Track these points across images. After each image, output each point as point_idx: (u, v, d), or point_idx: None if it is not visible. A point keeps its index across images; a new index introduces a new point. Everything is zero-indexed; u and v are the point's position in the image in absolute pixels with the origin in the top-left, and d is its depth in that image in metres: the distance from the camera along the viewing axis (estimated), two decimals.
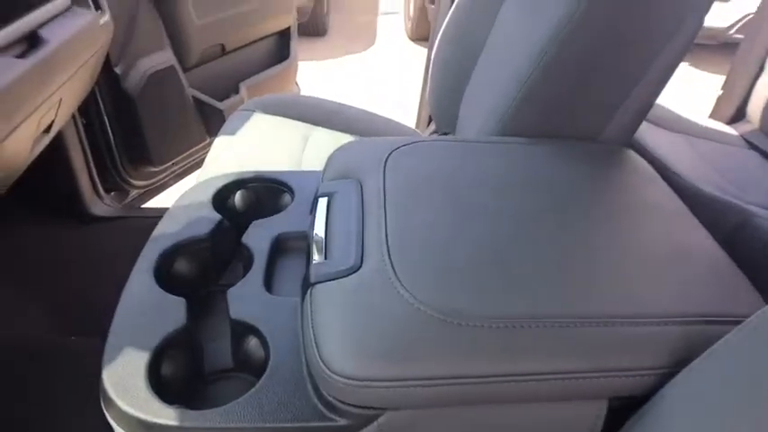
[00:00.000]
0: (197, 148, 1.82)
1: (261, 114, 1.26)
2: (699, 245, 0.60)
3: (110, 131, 1.58)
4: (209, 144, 1.86)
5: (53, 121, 1.12)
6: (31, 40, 0.99)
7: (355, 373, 0.45)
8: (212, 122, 1.81)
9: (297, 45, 2.18)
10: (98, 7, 1.23)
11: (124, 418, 0.48)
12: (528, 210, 0.61)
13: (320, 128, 1.25)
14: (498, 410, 0.49)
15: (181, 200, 0.76)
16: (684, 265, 0.56)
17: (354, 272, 0.53)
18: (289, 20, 2.10)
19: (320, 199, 0.65)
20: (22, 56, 0.94)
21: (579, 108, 0.78)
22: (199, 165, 1.88)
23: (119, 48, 1.49)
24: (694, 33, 0.73)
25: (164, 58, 1.63)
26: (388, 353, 0.46)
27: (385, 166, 0.67)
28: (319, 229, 0.60)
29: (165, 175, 1.77)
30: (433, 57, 1.26)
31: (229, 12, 1.79)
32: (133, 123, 1.59)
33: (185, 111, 1.74)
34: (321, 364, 0.46)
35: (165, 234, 0.67)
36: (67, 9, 1.13)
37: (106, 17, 1.26)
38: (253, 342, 0.55)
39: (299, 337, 0.54)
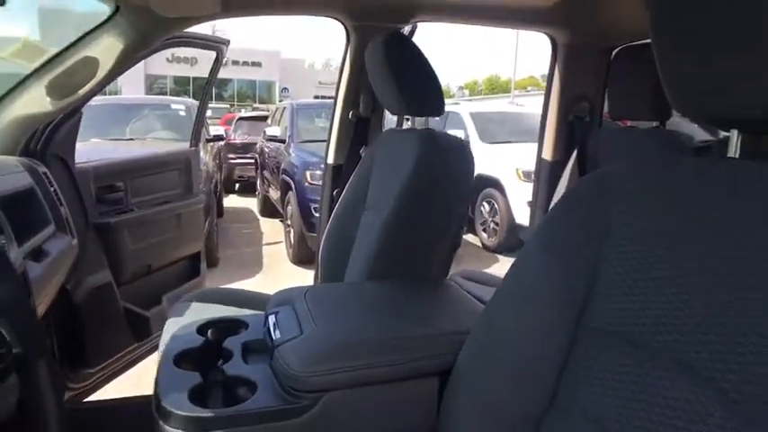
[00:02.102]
0: (126, 351, 2.12)
1: (198, 303, 1.68)
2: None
3: (53, 337, 1.87)
4: (136, 348, 2.18)
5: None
6: (39, 253, 1.39)
7: (304, 369, 0.88)
8: (139, 328, 2.15)
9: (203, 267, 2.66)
10: (72, 235, 1.66)
11: None
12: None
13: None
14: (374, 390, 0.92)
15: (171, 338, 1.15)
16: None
17: (297, 337, 0.97)
18: (198, 246, 2.61)
19: (269, 316, 1.09)
20: (36, 260, 1.34)
21: (417, 254, 1.32)
22: (126, 367, 2.16)
23: (71, 268, 1.88)
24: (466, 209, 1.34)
25: (103, 277, 2.02)
26: (317, 360, 0.89)
27: (306, 297, 1.14)
28: (273, 326, 1.04)
29: (96, 377, 2.03)
30: (321, 251, 1.80)
31: (155, 239, 2.27)
32: (74, 331, 1.90)
33: (118, 319, 2.08)
34: (286, 368, 0.88)
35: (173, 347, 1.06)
36: (53, 234, 1.55)
37: (75, 241, 1.68)
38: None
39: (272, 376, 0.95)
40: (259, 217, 7.03)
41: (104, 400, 1.96)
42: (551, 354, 0.80)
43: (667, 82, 0.69)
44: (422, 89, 1.47)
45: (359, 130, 1.90)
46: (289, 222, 5.24)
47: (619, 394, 0.71)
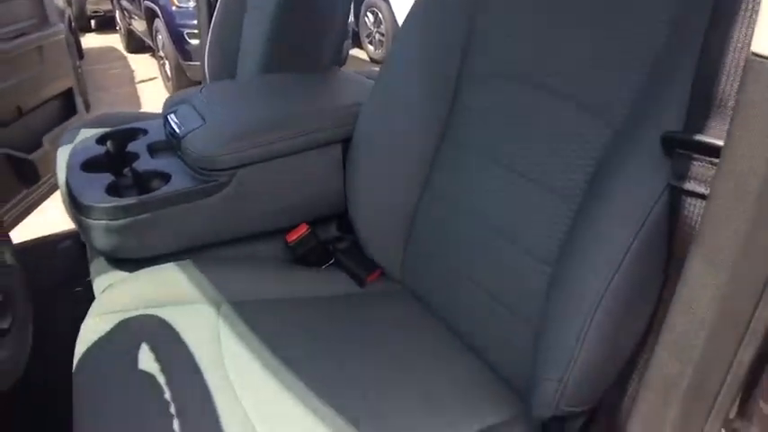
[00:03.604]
0: (17, 200, 2.06)
1: (87, 129, 1.63)
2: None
3: None
4: (27, 195, 2.11)
5: None
6: None
7: (215, 151, 0.94)
8: (26, 173, 2.07)
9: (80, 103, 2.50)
10: None
11: None
12: None
13: None
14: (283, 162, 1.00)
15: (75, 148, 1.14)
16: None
17: (201, 126, 1.01)
18: (69, 82, 2.42)
19: (169, 116, 1.11)
20: None
21: (306, 46, 1.34)
22: (26, 212, 2.11)
23: None
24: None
25: None
26: (227, 140, 0.95)
27: (202, 92, 1.16)
28: (174, 123, 1.06)
29: None
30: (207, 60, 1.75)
31: (18, 77, 2.08)
32: None
33: (2, 165, 1.98)
34: (197, 152, 0.94)
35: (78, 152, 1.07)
36: None
37: None
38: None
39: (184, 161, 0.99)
40: (126, 54, 6.46)
41: (21, 243, 1.94)
42: (439, 97, 0.91)
43: None
44: None
45: None
46: (162, 54, 4.89)
47: (497, 126, 0.84)
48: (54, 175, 1.60)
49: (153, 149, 1.10)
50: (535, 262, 0.75)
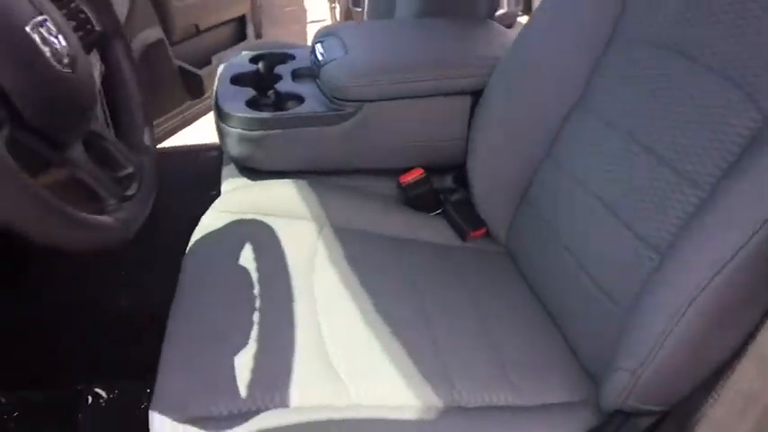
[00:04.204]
0: (181, 108, 2.28)
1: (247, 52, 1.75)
2: None
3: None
4: (191, 106, 2.33)
5: None
6: None
7: (347, 81, 0.97)
8: (193, 86, 2.28)
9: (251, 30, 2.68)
10: None
11: None
12: None
13: None
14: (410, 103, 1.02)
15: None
16: None
17: (341, 57, 1.04)
18: (244, 8, 2.60)
19: (316, 44, 1.16)
20: None
21: None
22: (183, 125, 2.34)
23: (124, 22, 1.94)
24: None
25: (155, 33, 2.09)
26: (359, 74, 0.98)
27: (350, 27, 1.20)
28: (319, 51, 1.11)
29: (156, 132, 2.21)
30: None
31: None
32: None
33: (173, 76, 2.20)
34: (331, 80, 0.98)
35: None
36: None
37: None
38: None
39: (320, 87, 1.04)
40: None
41: (171, 147, 2.16)
42: (581, 61, 0.86)
43: None
44: None
45: None
46: None
47: (634, 97, 0.78)
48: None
49: (296, 74, 1.16)
50: (644, 248, 0.70)
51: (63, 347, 1.04)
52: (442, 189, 1.09)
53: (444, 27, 1.23)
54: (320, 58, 1.08)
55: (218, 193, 1.07)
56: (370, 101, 0.99)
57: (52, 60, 0.55)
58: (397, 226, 1.00)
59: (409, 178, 1.05)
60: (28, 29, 0.54)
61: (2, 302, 1.06)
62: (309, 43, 1.34)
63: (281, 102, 1.07)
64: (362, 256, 0.89)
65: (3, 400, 1.00)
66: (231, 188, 1.03)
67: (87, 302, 1.08)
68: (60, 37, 0.58)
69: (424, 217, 1.05)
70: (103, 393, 1.01)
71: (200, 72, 2.26)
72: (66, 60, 0.57)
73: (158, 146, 2.19)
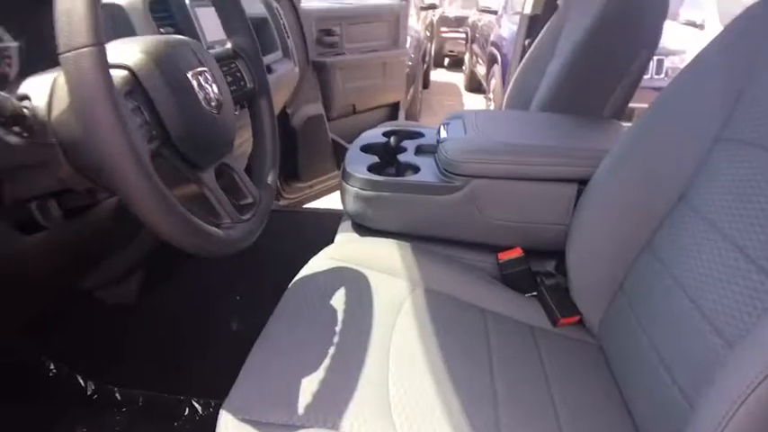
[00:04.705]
0: (330, 175, 2.50)
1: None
2: None
3: None
4: (338, 176, 2.55)
5: None
6: (269, 69, 1.71)
7: (457, 156, 1.05)
8: (342, 158, 2.50)
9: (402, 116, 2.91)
10: (295, 63, 1.97)
11: None
12: None
13: None
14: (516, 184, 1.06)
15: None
16: None
17: (459, 137, 1.13)
18: (399, 96, 2.85)
19: (441, 126, 1.26)
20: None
21: (591, 96, 1.37)
22: (330, 190, 2.56)
23: (292, 95, 2.22)
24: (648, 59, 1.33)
25: (316, 108, 2.36)
26: (470, 151, 1.05)
27: (476, 114, 1.29)
28: (443, 131, 1.21)
29: (306, 192, 2.45)
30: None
31: (361, 83, 2.54)
32: (291, 150, 2.29)
33: (326, 147, 2.44)
34: (445, 155, 1.06)
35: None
36: (280, 59, 1.87)
37: (296, 68, 1.99)
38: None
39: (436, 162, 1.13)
40: (463, 92, 7.15)
41: (308, 208, 2.36)
42: (689, 158, 0.87)
43: None
44: None
45: None
46: (490, 96, 5.29)
47: (732, 196, 0.77)
48: None
49: (420, 149, 1.27)
50: (721, 343, 0.67)
51: (175, 358, 1.18)
52: (539, 271, 1.11)
53: (565, 120, 1.28)
54: (441, 135, 1.18)
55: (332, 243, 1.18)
56: (478, 177, 1.06)
57: (203, 102, 0.70)
58: (488, 299, 1.03)
59: (508, 256, 1.09)
60: (189, 75, 0.70)
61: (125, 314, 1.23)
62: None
63: (400, 170, 1.18)
64: (446, 318, 0.93)
65: (118, 396, 1.15)
66: (342, 240, 1.14)
67: (202, 321, 1.22)
68: (214, 86, 0.74)
69: (517, 296, 1.06)
70: (200, 408, 1.12)
71: (349, 146, 2.49)
72: (213, 104, 0.72)
73: (298, 203, 2.43)
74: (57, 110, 0.63)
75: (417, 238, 1.12)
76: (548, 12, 1.94)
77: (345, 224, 1.20)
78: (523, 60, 1.85)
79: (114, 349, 1.22)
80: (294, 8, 2.19)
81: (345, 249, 1.07)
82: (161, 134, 0.65)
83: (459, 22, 8.34)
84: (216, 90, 0.73)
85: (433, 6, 6.06)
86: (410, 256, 1.05)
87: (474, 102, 6.55)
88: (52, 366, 1.25)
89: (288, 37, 1.98)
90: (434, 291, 0.99)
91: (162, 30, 1.10)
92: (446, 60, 8.85)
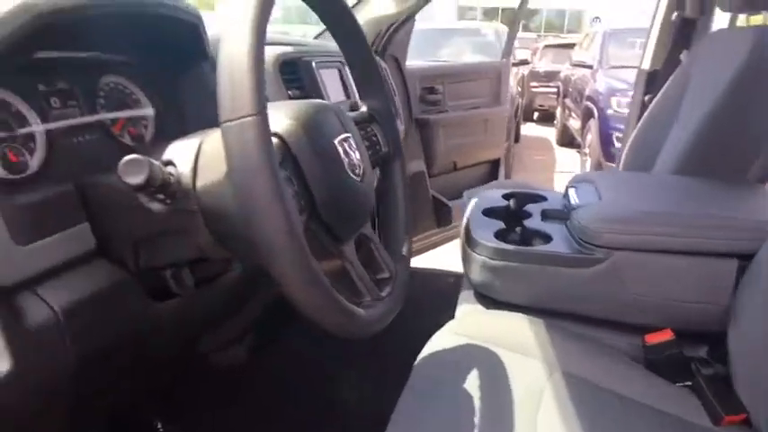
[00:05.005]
0: (431, 232, 2.45)
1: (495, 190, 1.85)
2: None
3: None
4: (438, 233, 2.50)
5: None
6: None
7: (598, 225, 0.96)
8: (442, 215, 2.45)
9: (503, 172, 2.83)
10: (400, 121, 1.96)
11: None
12: None
13: None
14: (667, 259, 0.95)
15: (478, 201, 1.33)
16: None
17: (595, 203, 1.05)
18: (499, 152, 2.78)
19: (569, 188, 1.18)
20: None
21: (732, 159, 1.25)
22: (429, 247, 2.51)
23: None
24: None
25: (419, 165, 2.33)
26: (613, 220, 0.96)
27: (607, 175, 1.20)
28: (572, 196, 1.13)
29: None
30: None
31: (463, 139, 2.50)
32: None
33: (427, 204, 2.40)
34: (581, 223, 0.98)
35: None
36: None
37: (402, 126, 1.98)
38: None
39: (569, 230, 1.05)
40: (555, 146, 6.99)
41: (418, 268, 2.31)
42: None
43: None
44: None
45: (682, 32, 1.78)
46: (586, 151, 5.12)
47: None
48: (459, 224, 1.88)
49: (546, 215, 1.19)
50: None
51: (285, 423, 1.13)
52: (692, 357, 0.98)
53: (708, 185, 1.17)
54: (573, 201, 1.09)
55: (452, 316, 1.10)
56: (622, 249, 0.96)
57: (348, 169, 0.66)
58: (636, 389, 0.91)
59: (656, 339, 0.97)
60: (335, 141, 0.67)
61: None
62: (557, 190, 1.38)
63: (528, 238, 1.10)
64: (592, 412, 0.82)
65: None
66: (466, 312, 1.06)
67: (317, 392, 1.17)
68: (357, 152, 0.70)
69: (668, 386, 0.94)
70: None
71: (450, 204, 2.44)
72: (357, 171, 0.68)
73: None
74: (203, 177, 0.61)
75: (549, 312, 1.02)
76: (668, 67, 1.83)
77: (467, 293, 1.13)
78: (643, 118, 1.75)
79: (224, 413, 1.19)
80: (399, 68, 2.20)
81: (471, 324, 0.99)
82: (309, 205, 0.61)
83: (550, 76, 8.25)
84: (359, 156, 0.70)
85: (524, 62, 6.03)
86: (543, 334, 0.95)
87: (566, 156, 6.38)
88: (159, 426, 1.23)
89: (395, 95, 1.98)
90: (574, 376, 0.88)
91: (290, 92, 1.11)
92: (535, 114, 8.74)
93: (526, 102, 8.23)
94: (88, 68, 0.80)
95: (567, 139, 6.73)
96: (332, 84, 1.24)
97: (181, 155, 0.62)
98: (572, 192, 1.15)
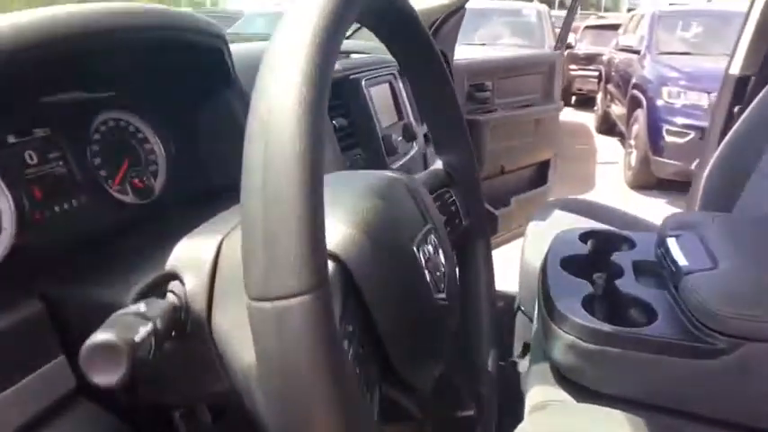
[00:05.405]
0: None
1: (559, 211, 1.63)
2: None
3: None
4: None
5: None
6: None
7: (724, 307, 0.75)
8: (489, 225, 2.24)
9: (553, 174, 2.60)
10: None
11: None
12: None
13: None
14: None
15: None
16: None
17: (711, 269, 0.83)
18: (550, 153, 2.54)
19: (668, 239, 0.96)
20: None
21: None
22: None
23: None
24: None
25: None
26: (743, 302, 0.74)
27: (715, 224, 0.98)
28: (675, 251, 0.91)
29: None
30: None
31: (512, 142, 2.28)
32: None
33: None
34: (701, 301, 0.76)
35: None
36: None
37: None
38: None
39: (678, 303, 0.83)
40: (594, 133, 6.67)
41: None
42: None
43: None
44: None
45: None
46: (632, 143, 4.82)
47: None
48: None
49: (638, 269, 0.97)
50: None
51: None
52: None
53: None
54: (678, 262, 0.88)
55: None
56: (756, 341, 0.75)
57: (432, 289, 0.46)
58: None
59: None
60: (415, 247, 0.47)
61: None
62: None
63: (620, 305, 0.89)
64: None
65: None
66: (541, 397, 0.86)
67: None
68: (441, 252, 0.50)
69: None
70: None
71: (497, 212, 2.23)
72: (442, 285, 0.48)
73: None
74: (222, 309, 0.41)
75: (655, 408, 0.82)
76: (766, 72, 1.58)
77: (542, 371, 0.93)
78: (730, 135, 1.51)
79: None
80: (447, 62, 1.98)
81: (560, 422, 0.79)
82: (378, 368, 0.41)
83: (590, 59, 7.86)
84: (443, 259, 0.50)
85: (569, 47, 5.71)
86: None
87: (608, 145, 6.07)
88: None
89: None
90: None
91: (334, 122, 0.91)
92: (573, 99, 8.37)
93: (564, 85, 7.86)
94: (76, 106, 0.61)
95: (608, 127, 6.41)
96: (382, 104, 1.04)
97: (190, 264, 0.42)
98: (673, 244, 0.94)
